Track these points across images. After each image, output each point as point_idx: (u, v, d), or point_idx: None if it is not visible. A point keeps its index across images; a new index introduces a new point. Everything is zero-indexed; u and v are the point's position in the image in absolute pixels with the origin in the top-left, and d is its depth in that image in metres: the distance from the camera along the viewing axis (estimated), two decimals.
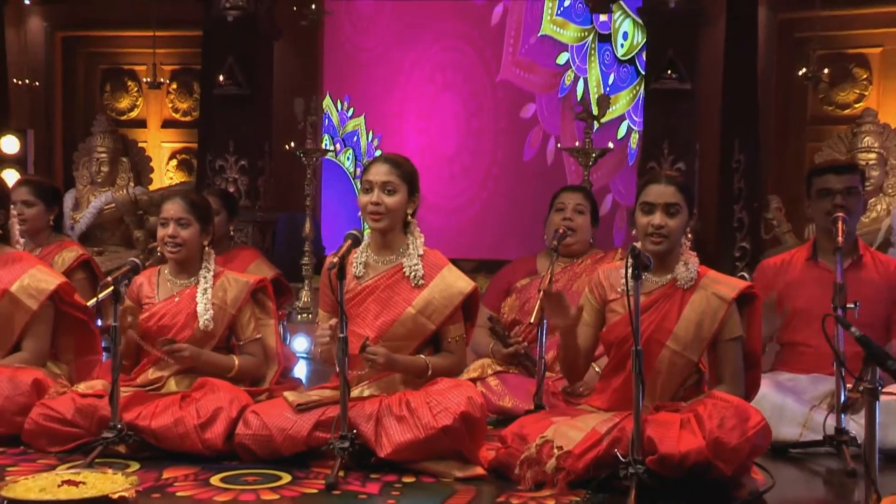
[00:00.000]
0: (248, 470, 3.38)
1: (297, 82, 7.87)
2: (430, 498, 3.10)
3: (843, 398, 3.77)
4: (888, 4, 7.31)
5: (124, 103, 8.94)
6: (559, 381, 4.35)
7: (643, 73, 7.50)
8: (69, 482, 2.64)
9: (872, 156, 6.65)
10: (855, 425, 3.84)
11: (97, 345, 4.22)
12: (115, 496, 2.58)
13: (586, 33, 7.56)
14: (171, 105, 8.84)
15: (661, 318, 3.45)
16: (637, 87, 7.58)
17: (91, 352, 4.17)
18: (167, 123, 8.89)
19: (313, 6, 7.08)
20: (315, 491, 3.15)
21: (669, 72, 6.11)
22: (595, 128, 6.31)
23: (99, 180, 7.87)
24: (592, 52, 7.60)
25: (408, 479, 3.29)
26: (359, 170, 8.38)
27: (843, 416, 3.79)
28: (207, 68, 7.41)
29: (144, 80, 8.01)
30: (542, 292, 4.27)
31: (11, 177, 8.02)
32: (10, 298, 3.90)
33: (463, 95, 8.11)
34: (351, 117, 8.37)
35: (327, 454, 3.41)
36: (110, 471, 2.73)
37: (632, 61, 7.59)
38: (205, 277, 3.91)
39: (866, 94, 7.64)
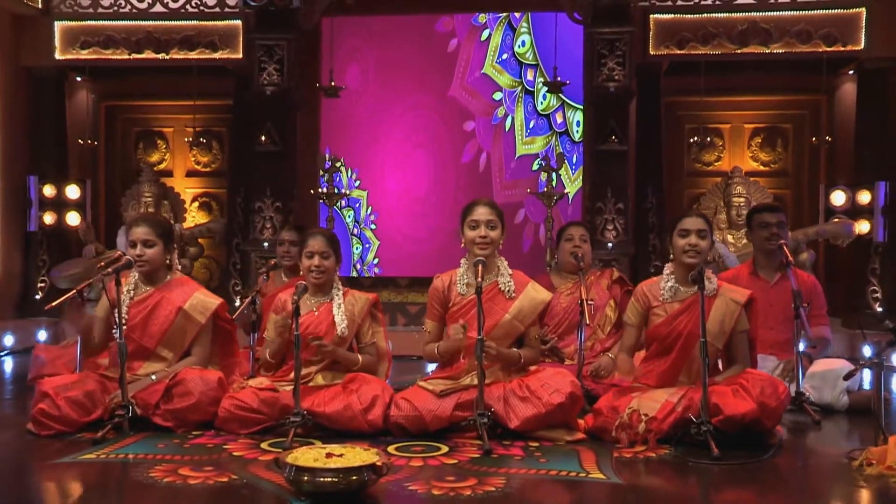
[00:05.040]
0: (408, 442, 3.35)
1: (307, 141, 7.76)
2: (567, 456, 3.15)
3: (800, 368, 4.11)
4: (733, 95, 7.89)
5: (154, 157, 8.56)
6: (586, 366, 4.48)
7: (556, 129, 7.87)
8: (331, 455, 2.58)
9: (742, 199, 7.16)
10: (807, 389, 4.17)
11: (238, 351, 4.10)
12: (379, 463, 2.54)
13: (516, 84, 7.89)
14: (193, 158, 8.53)
15: (696, 318, 3.60)
16: (549, 138, 7.88)
17: (233, 355, 4.06)
18: (190, 173, 8.57)
19: (332, 83, 7.03)
20: (477, 455, 3.15)
21: (613, 137, 6.39)
22: (555, 178, 6.52)
23: None
24: (519, 99, 7.92)
25: (533, 444, 3.34)
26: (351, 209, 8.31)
27: (800, 382, 4.11)
28: (244, 129, 7.23)
29: (186, 139, 7.74)
30: (583, 301, 4.44)
31: (74, 218, 7.58)
32: (183, 314, 3.77)
33: (431, 151, 8.21)
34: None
35: (461, 428, 3.44)
36: (358, 447, 2.66)
37: (547, 118, 7.92)
38: (337, 295, 3.88)
39: (722, 156, 8.16)
